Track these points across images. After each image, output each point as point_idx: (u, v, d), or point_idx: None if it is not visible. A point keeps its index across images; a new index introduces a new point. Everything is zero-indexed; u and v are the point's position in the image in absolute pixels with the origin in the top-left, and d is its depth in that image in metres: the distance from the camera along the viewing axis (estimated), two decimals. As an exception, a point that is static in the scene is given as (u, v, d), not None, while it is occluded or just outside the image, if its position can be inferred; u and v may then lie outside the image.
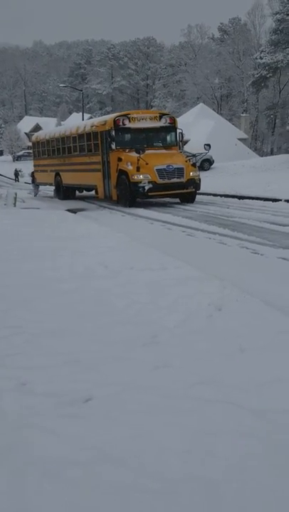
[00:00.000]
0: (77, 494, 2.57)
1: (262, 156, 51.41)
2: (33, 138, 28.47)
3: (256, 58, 55.52)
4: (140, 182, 15.89)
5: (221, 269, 7.52)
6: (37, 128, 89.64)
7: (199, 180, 17.01)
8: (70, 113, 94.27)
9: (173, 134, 18.18)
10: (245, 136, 56.41)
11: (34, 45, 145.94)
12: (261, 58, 53.18)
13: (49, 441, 3.05)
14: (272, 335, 4.67)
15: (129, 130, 17.38)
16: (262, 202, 17.30)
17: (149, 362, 4.15)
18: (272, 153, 59.25)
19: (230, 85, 71.29)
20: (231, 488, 2.59)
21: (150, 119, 17.81)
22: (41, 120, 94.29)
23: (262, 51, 54.71)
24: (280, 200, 16.90)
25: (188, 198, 17.16)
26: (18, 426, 3.24)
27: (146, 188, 15.87)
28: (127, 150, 16.95)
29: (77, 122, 24.53)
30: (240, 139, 51.84)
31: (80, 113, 60.84)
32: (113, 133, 17.02)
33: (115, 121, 17.21)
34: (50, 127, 77.90)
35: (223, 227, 11.67)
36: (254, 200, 17.92)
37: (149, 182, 15.89)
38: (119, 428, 3.18)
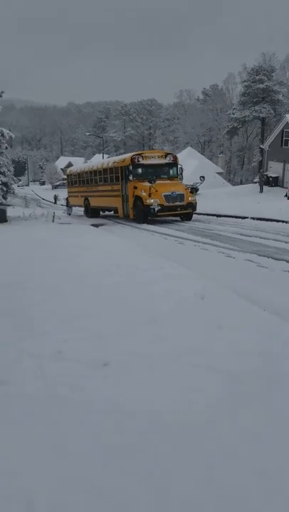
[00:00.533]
0: (100, 434, 2.57)
1: (234, 185, 51.25)
2: (68, 171, 28.06)
3: (230, 114, 55.46)
4: (151, 205, 15.97)
5: (203, 268, 7.49)
6: (69, 165, 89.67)
7: (196, 203, 16.97)
8: (94, 154, 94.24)
9: (175, 168, 18.07)
10: (221, 170, 56.21)
11: (68, 104, 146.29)
12: (233, 114, 53.15)
13: (77, 395, 3.04)
14: (240, 317, 4.65)
15: (142, 165, 17.33)
16: (234, 219, 17.24)
17: (149, 336, 4.14)
18: (241, 183, 59.02)
19: (211, 133, 71.06)
20: (214, 429, 2.58)
21: (158, 157, 17.88)
22: (72, 159, 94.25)
23: (234, 109, 54.67)
24: (247, 217, 16.84)
25: (187, 217, 17.11)
26: (54, 383, 3.24)
27: (156, 209, 15.96)
28: (141, 180, 16.91)
29: (101, 160, 24.33)
30: (218, 173, 51.67)
31: (101, 154, 60.77)
32: (130, 167, 17.17)
33: (132, 159, 17.30)
34: (79, 164, 78.10)
35: (205, 237, 11.62)
36: (228, 218, 17.85)
37: (158, 205, 15.97)
38: (127, 384, 3.18)
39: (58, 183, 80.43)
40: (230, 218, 17.61)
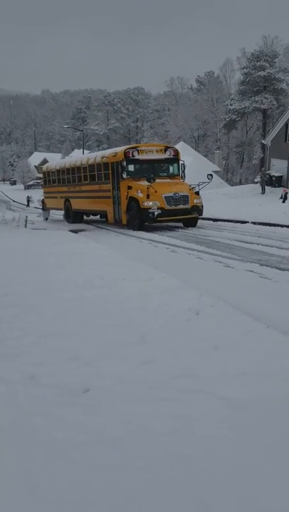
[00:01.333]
0: (75, 471, 2.56)
1: (232, 186, 51.73)
2: (44, 168, 26.71)
3: (227, 105, 56.26)
4: (150, 208, 15.07)
5: (198, 279, 7.53)
6: (44, 162, 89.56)
7: (202, 206, 16.08)
8: (73, 149, 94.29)
9: (176, 165, 17.22)
10: (218, 169, 56.75)
11: (42, 93, 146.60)
12: (231, 105, 53.93)
13: (53, 426, 3.03)
14: (240, 335, 4.69)
15: (138, 161, 16.43)
16: (232, 224, 17.38)
17: (138, 358, 4.15)
18: (240, 183, 59.65)
19: (206, 127, 71.82)
20: (207, 464, 2.59)
21: (156, 152, 16.98)
22: (48, 155, 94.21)
23: (232, 99, 55.50)
24: (248, 222, 16.99)
25: (191, 223, 16.21)
26: (27, 412, 3.22)
27: (156, 213, 15.06)
28: (136, 179, 15.99)
29: (86, 154, 22.99)
30: (214, 171, 52.12)
31: (81, 150, 60.95)
32: (124, 163, 16.17)
33: (126, 153, 16.32)
34: (58, 160, 77.96)
35: (200, 244, 11.69)
36: (226, 222, 17.99)
37: (158, 208, 15.07)
38: (112, 414, 3.17)
39: (31, 183, 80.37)
40: (228, 223, 17.75)
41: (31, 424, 3.05)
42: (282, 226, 15.21)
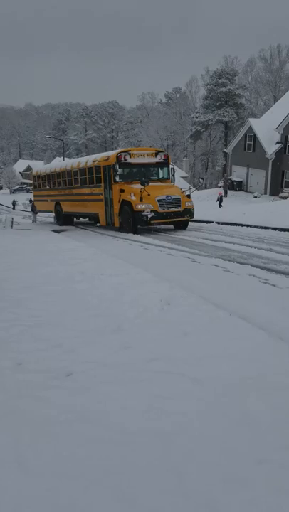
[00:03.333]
0: (60, 446, 2.54)
1: (198, 190, 52.07)
2: (34, 172, 24.89)
3: (193, 117, 56.59)
4: (143, 211, 13.93)
5: (169, 273, 7.55)
6: (29, 168, 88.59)
7: (193, 209, 14.99)
8: (54, 157, 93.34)
9: (166, 168, 16.12)
10: (186, 174, 57.05)
11: (26, 106, 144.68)
12: (197, 117, 54.27)
13: (39, 406, 2.99)
14: (206, 322, 4.73)
15: (130, 165, 15.28)
16: (199, 224, 17.45)
17: (116, 345, 4.14)
18: (206, 187, 60.12)
19: (174, 137, 72.03)
20: (180, 437, 2.60)
21: (148, 155, 15.85)
22: (31, 162, 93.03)
23: (197, 112, 55.85)
24: (212, 221, 17.13)
25: (182, 225, 15.15)
26: (16, 395, 3.17)
27: (149, 216, 13.90)
28: (129, 182, 14.90)
29: (77, 158, 21.42)
30: (182, 177, 52.41)
31: (62, 157, 60.30)
32: (116, 167, 14.96)
33: (118, 157, 15.12)
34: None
35: (170, 242, 11.71)
36: (193, 223, 18.06)
37: (151, 211, 13.94)
38: (93, 395, 3.16)
39: (16, 188, 79.19)
40: (195, 223, 17.82)
41: (19, 406, 3.01)
42: (242, 225, 15.39)
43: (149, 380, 3.35)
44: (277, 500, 2.10)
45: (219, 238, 12.11)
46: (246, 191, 38.60)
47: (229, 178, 39.57)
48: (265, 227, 14.14)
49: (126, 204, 14.58)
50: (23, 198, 46.22)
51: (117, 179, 15.07)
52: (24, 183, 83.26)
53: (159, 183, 15.46)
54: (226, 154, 46.70)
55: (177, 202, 14.42)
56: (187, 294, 5.85)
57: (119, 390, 3.19)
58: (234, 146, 41.45)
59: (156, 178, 15.91)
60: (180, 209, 14.46)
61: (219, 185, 40.60)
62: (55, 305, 5.60)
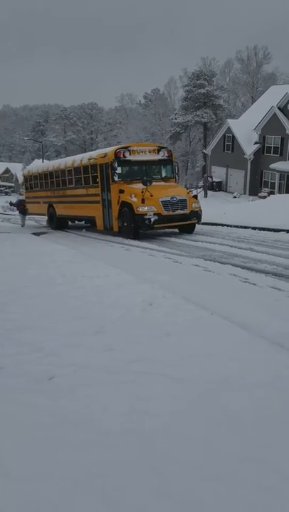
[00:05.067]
0: (42, 450, 2.52)
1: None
2: (25, 172, 23.51)
3: (172, 119, 56.82)
4: (146, 214, 12.40)
5: (150, 274, 7.56)
6: (7, 171, 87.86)
7: (201, 211, 13.43)
8: (33, 159, 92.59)
9: (170, 166, 14.62)
10: (166, 175, 57.22)
11: (3, 107, 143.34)
12: (176, 119, 54.54)
13: (20, 410, 2.97)
14: (188, 322, 4.76)
15: (129, 162, 13.72)
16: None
17: (98, 347, 4.13)
18: (186, 187, 60.34)
19: (154, 138, 72.14)
20: (161, 438, 2.61)
21: (149, 152, 14.24)
22: (10, 165, 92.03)
23: (176, 113, 56.13)
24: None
25: (188, 229, 13.54)
26: (-4, 401, 3.14)
27: (152, 219, 12.40)
28: (128, 182, 13.40)
29: (71, 156, 19.27)
30: (162, 178, 52.62)
31: (41, 159, 59.82)
32: (115, 165, 13.40)
33: (116, 154, 13.52)
34: (17, 170, 76.07)
35: (151, 243, 11.72)
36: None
37: (154, 214, 12.43)
38: (75, 398, 3.15)
39: (-5, 190, 78.19)
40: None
41: (0, 410, 2.98)
42: (222, 225, 15.52)
43: (131, 382, 3.35)
44: (260, 497, 2.13)
45: (200, 238, 12.18)
46: (226, 191, 38.95)
47: (210, 176, 39.86)
48: (245, 227, 14.29)
49: (126, 206, 13.05)
50: (2, 201, 45.63)
51: (116, 178, 13.49)
52: (3, 186, 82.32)
53: (162, 183, 13.91)
54: (205, 155, 47.05)
55: (183, 203, 12.93)
56: (169, 295, 5.88)
57: (102, 392, 3.19)
58: (213, 146, 41.81)
59: (159, 177, 14.32)
60: (186, 211, 12.97)
61: (199, 185, 40.87)
62: (35, 308, 5.55)
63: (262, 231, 13.23)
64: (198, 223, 13.76)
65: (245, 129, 36.83)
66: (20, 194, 38.07)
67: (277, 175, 33.63)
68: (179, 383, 3.29)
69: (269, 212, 15.15)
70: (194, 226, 13.72)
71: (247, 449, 2.47)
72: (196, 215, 13.30)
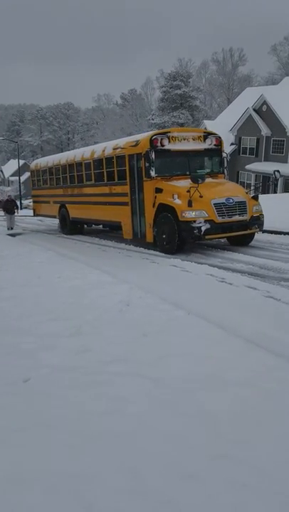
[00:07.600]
0: (16, 453, 2.49)
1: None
2: (33, 165, 19.12)
3: (149, 119, 57.03)
4: (194, 221, 9.28)
5: (127, 275, 7.55)
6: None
7: (263, 217, 10.20)
8: (8, 160, 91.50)
9: (219, 158, 11.27)
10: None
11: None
12: (153, 119, 54.79)
13: (-5, 415, 2.93)
14: (165, 322, 4.78)
15: (169, 153, 10.48)
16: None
17: (75, 348, 4.11)
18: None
19: (131, 139, 72.42)
20: (137, 437, 2.62)
21: (193, 139, 10.90)
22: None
23: (153, 114, 56.39)
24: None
25: (244, 241, 10.33)
26: None
27: (203, 228, 9.23)
28: (167, 178, 10.27)
29: (90, 146, 15.14)
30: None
31: (16, 159, 59.10)
32: (151, 155, 10.13)
33: (152, 141, 10.29)
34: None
35: (129, 244, 11.68)
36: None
37: (205, 221, 9.29)
38: (50, 400, 3.12)
39: None
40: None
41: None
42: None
43: (108, 383, 3.34)
44: (235, 494, 2.15)
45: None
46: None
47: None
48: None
49: (165, 210, 9.91)
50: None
51: (152, 174, 10.26)
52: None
53: (210, 180, 10.45)
54: (182, 156, 47.33)
55: (242, 207, 9.75)
56: (146, 295, 5.89)
57: (79, 394, 3.17)
58: (190, 147, 42.07)
59: (206, 171, 11.00)
60: (246, 217, 9.77)
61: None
62: (11, 310, 5.49)
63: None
64: (260, 231, 10.50)
65: (222, 130, 37.06)
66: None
67: (253, 175, 34.10)
68: (156, 383, 3.30)
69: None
70: (253, 237, 10.52)
71: (222, 447, 2.49)
72: (258, 221, 10.13)
